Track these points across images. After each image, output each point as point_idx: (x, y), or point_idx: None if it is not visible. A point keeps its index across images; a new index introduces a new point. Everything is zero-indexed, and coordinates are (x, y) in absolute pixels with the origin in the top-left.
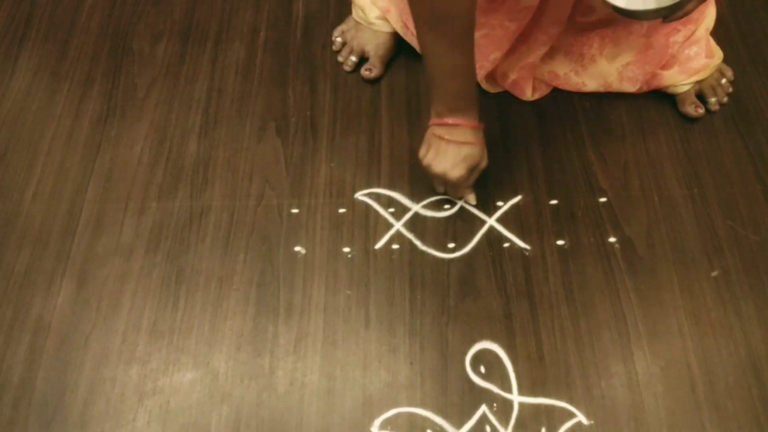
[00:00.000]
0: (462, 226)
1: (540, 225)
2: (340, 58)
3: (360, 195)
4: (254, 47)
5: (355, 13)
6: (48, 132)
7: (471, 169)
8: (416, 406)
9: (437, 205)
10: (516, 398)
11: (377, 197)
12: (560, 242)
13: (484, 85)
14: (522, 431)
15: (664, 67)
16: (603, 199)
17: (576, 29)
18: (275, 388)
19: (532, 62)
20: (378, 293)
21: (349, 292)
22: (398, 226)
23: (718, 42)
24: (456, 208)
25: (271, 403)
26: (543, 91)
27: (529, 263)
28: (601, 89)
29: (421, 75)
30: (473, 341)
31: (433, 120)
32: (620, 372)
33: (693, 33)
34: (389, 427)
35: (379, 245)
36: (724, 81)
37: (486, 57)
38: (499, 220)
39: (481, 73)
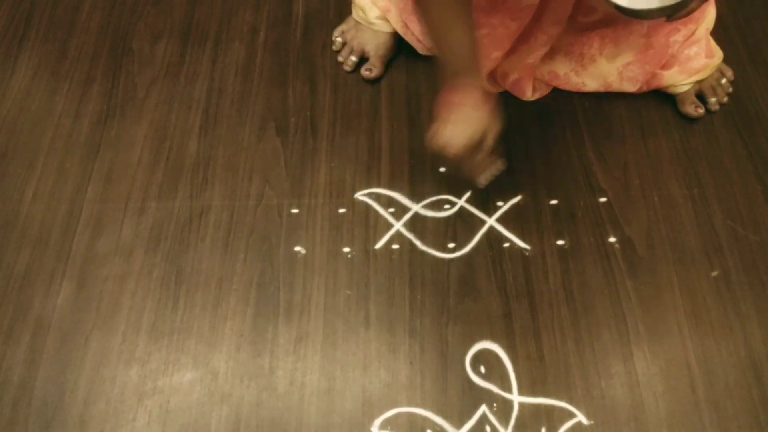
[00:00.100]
0: (462, 226)
1: (540, 225)
2: (340, 58)
3: (360, 195)
4: (254, 47)
5: (355, 13)
6: (48, 132)
7: (481, 133)
8: (416, 406)
9: (437, 205)
10: (516, 398)
11: (377, 197)
12: (560, 242)
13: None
14: (522, 431)
15: (664, 67)
16: (603, 199)
17: (576, 29)
18: (275, 388)
19: (533, 62)
20: (378, 293)
21: (349, 292)
22: (398, 226)
23: (718, 42)
24: (456, 208)
25: (271, 403)
26: (543, 91)
27: (529, 263)
28: (601, 89)
29: (421, 75)
30: (473, 341)
31: (443, 90)
32: (620, 372)
33: (693, 33)
34: (389, 427)
35: (379, 245)
36: (724, 81)
37: (487, 56)
38: (499, 220)
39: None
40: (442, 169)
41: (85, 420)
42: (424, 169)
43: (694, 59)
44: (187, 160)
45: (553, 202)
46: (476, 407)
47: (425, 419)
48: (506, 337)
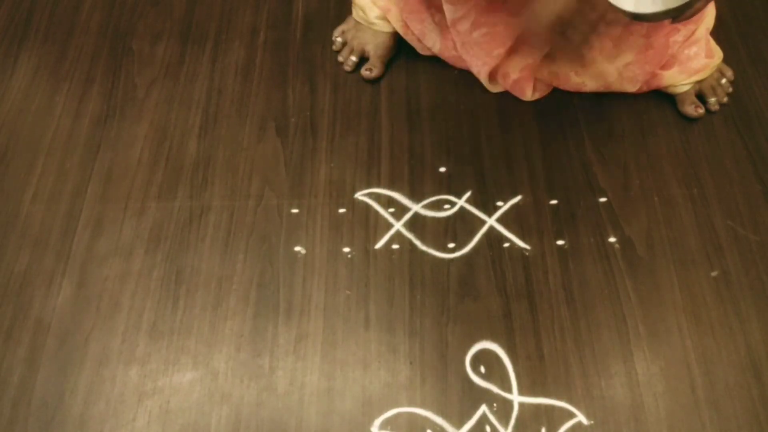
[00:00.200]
0: (462, 226)
1: (540, 225)
2: (340, 58)
3: (360, 195)
4: (254, 47)
5: (356, 13)
6: (48, 132)
7: None
8: (416, 406)
9: (437, 205)
10: (516, 398)
11: (377, 197)
12: (560, 242)
13: (487, 85)
14: (522, 431)
15: (664, 67)
16: (603, 199)
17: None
18: (275, 388)
19: (533, 62)
20: (378, 293)
21: (348, 292)
22: (398, 226)
23: (718, 42)
24: (456, 208)
25: (270, 403)
26: (543, 91)
27: (529, 263)
28: (601, 89)
29: (421, 75)
30: (473, 341)
31: None
32: (620, 372)
33: (693, 33)
34: (389, 427)
35: (379, 245)
36: (724, 81)
37: (489, 53)
38: (499, 220)
39: (484, 71)
40: (442, 169)
41: (85, 420)
42: (424, 169)
43: (694, 59)
44: (186, 160)
45: (553, 202)
46: (476, 407)
47: (425, 419)
48: (506, 337)
